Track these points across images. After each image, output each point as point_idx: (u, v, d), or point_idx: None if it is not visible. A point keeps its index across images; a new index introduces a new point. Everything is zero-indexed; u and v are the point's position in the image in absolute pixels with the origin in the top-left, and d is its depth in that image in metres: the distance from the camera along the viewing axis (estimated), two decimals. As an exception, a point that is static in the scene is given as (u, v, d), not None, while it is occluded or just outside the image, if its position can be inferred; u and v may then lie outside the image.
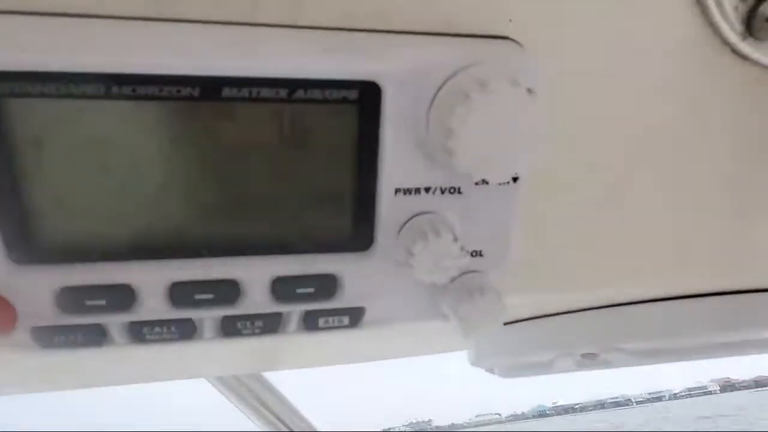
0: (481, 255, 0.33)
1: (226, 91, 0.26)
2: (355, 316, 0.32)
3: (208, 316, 0.31)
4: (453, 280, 0.32)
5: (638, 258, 0.42)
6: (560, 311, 0.56)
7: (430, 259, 0.29)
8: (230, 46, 0.25)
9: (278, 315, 0.31)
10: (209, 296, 0.30)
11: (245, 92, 0.26)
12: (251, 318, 0.31)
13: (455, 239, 0.29)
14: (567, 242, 0.40)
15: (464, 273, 0.32)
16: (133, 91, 0.25)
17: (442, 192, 0.30)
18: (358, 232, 0.31)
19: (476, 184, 0.31)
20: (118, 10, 0.25)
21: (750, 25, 0.32)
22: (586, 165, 0.36)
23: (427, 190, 0.30)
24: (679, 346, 0.49)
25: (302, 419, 1.06)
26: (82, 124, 0.26)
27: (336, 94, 0.27)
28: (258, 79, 0.26)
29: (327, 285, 0.31)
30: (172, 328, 0.30)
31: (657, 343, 0.49)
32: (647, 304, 0.49)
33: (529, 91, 0.26)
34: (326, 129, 0.28)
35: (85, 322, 0.29)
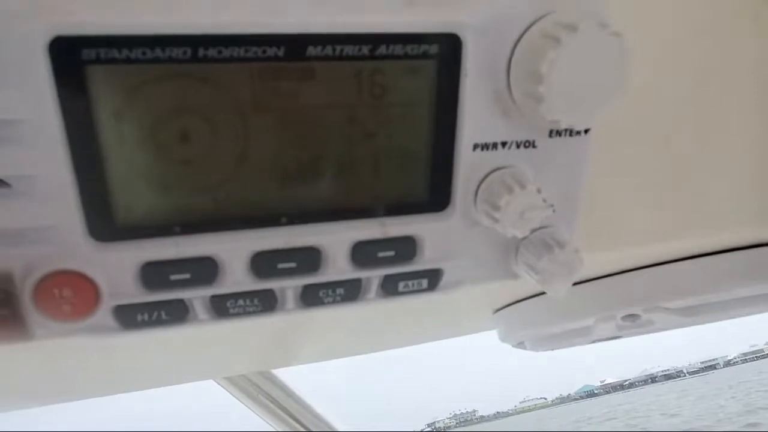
0: (553, 210, 0.33)
1: (311, 50, 0.26)
2: (433, 279, 0.32)
3: (290, 286, 0.30)
4: (531, 233, 0.32)
5: (687, 212, 0.43)
6: (593, 277, 0.56)
7: (517, 211, 0.29)
8: (317, 2, 0.25)
9: (358, 281, 0.31)
10: (292, 265, 0.29)
11: (329, 50, 0.26)
12: (332, 285, 0.31)
13: (539, 191, 0.29)
14: (619, 197, 0.41)
15: (539, 228, 0.32)
16: (219, 53, 0.25)
17: (518, 146, 0.30)
18: (436, 192, 0.30)
19: (550, 136, 0.31)
20: None
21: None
22: (638, 116, 0.37)
23: (503, 144, 0.30)
24: (723, 299, 0.50)
25: (320, 418, 1.05)
26: (165, 90, 0.25)
27: (417, 49, 0.27)
28: (342, 35, 0.26)
29: (407, 247, 0.31)
30: (255, 300, 0.30)
31: (700, 298, 0.50)
32: (687, 261, 0.50)
33: (616, 33, 0.26)
34: (405, 86, 0.28)
35: (169, 298, 0.28)
